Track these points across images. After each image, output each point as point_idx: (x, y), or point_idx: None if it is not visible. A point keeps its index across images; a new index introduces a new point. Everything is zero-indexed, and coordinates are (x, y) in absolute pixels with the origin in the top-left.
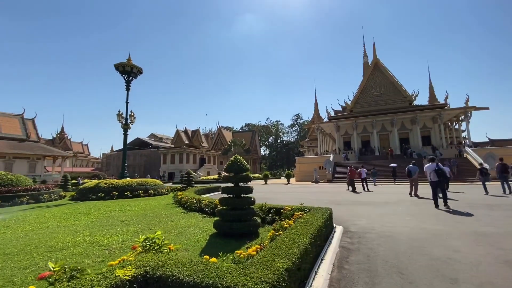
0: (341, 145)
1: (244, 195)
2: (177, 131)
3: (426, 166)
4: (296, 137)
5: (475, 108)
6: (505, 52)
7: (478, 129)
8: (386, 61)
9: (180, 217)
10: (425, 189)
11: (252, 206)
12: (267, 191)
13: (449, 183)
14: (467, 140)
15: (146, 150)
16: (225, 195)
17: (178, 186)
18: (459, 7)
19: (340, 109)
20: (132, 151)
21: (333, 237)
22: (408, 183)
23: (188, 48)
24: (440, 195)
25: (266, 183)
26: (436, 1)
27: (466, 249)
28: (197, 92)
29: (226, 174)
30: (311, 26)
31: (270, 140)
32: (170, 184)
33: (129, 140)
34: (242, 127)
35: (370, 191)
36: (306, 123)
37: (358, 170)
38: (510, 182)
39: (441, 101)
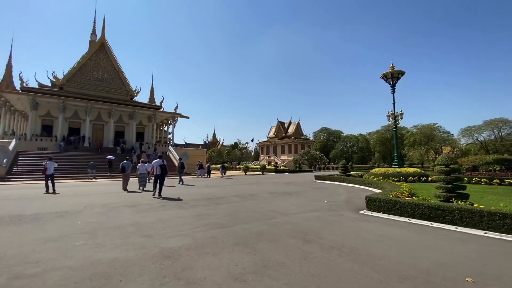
0: (37, 129)
1: None
2: None
3: (154, 161)
4: None
5: (180, 115)
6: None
7: (180, 134)
8: (121, 49)
9: None
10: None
11: None
12: None
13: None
14: (172, 141)
15: None
16: None
17: None
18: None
19: (50, 84)
20: None
21: None
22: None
23: None
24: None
25: None
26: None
27: None
28: None
29: None
30: None
31: None
32: None
33: None
34: None
35: (56, 193)
36: None
37: (44, 163)
38: (183, 177)
39: (158, 103)
